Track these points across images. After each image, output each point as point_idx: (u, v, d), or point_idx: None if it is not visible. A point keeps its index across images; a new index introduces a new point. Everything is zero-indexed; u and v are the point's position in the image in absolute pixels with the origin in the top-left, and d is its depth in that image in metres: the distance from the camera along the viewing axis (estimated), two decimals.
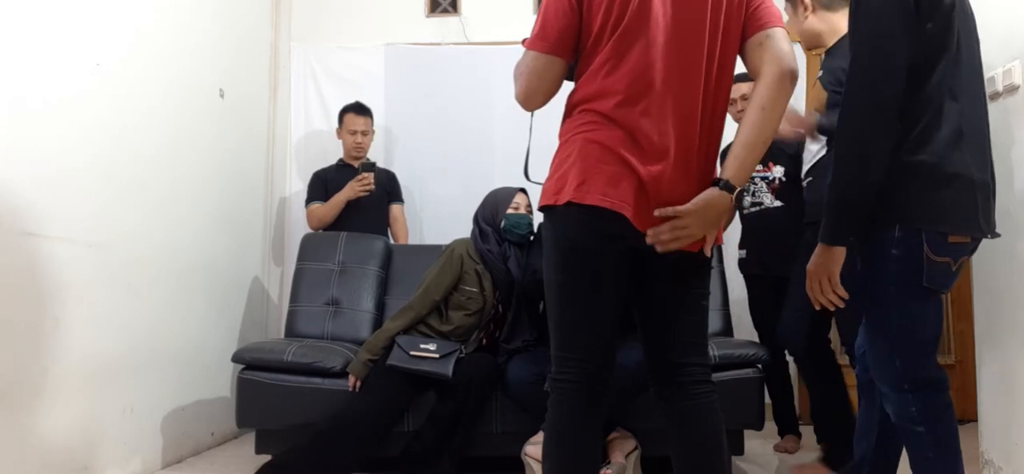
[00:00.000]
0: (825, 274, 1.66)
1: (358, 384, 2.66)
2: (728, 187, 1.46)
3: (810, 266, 1.69)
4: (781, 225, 3.09)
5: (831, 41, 2.44)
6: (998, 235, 1.69)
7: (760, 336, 3.19)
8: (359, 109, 3.62)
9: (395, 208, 3.70)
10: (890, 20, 1.54)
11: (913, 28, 1.55)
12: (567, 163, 1.49)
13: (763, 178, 3.18)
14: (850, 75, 1.58)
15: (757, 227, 3.19)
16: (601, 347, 1.51)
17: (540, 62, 1.53)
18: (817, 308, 1.73)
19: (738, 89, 3.09)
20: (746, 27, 1.51)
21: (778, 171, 3.14)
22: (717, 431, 1.51)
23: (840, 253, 1.64)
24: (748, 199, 3.19)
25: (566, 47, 1.53)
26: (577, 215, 1.46)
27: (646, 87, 1.46)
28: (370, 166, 3.48)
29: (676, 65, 1.47)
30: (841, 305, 1.68)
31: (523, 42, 1.57)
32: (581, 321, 1.50)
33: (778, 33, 1.49)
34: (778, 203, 3.13)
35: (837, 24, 2.38)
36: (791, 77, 1.46)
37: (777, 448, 3.20)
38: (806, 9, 2.44)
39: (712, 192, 1.47)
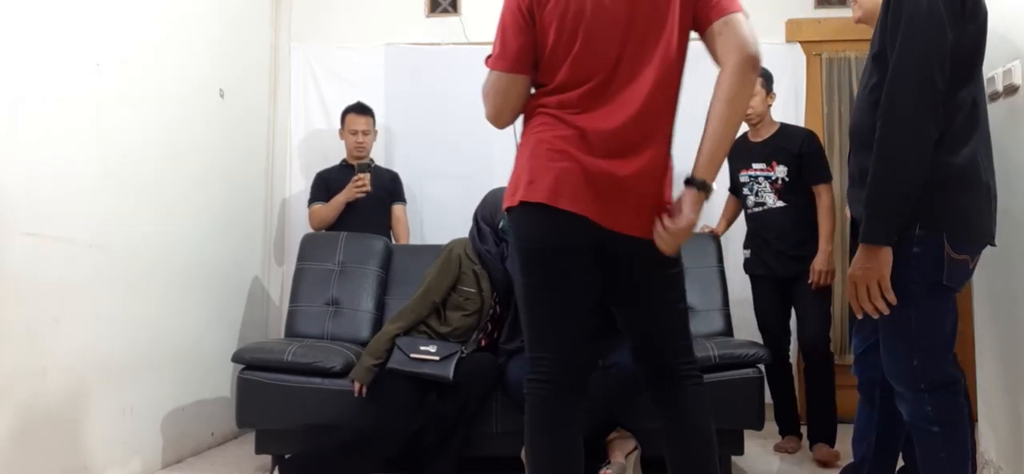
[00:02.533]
0: (874, 279, 1.55)
1: (363, 389, 2.65)
2: (704, 187, 1.44)
3: (855, 271, 1.59)
4: (784, 225, 3.08)
5: None
6: (994, 245, 1.69)
7: (764, 336, 3.18)
8: (360, 109, 3.62)
9: (397, 208, 3.70)
10: (941, 9, 1.52)
11: (959, 24, 1.54)
12: (520, 163, 1.52)
13: (767, 177, 3.15)
14: (898, 63, 1.53)
15: (760, 227, 3.17)
16: (572, 343, 1.52)
17: (503, 81, 1.55)
18: (859, 317, 1.63)
19: None
20: (701, 15, 1.48)
21: (781, 171, 3.11)
22: (706, 426, 1.54)
23: (888, 254, 1.55)
24: (752, 199, 3.17)
25: (526, 63, 1.54)
26: (530, 214, 1.48)
27: (600, 89, 1.48)
28: (367, 167, 3.48)
29: (629, 65, 1.48)
30: (887, 312, 1.58)
31: (486, 61, 1.58)
32: (549, 319, 1.53)
33: (737, 18, 1.45)
34: (781, 203, 3.11)
35: None
36: (753, 64, 1.42)
37: (777, 448, 3.19)
38: None
39: (688, 193, 1.45)
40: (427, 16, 4.15)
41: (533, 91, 1.58)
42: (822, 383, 3.08)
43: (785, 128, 3.21)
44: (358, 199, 3.47)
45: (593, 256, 1.50)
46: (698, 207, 1.43)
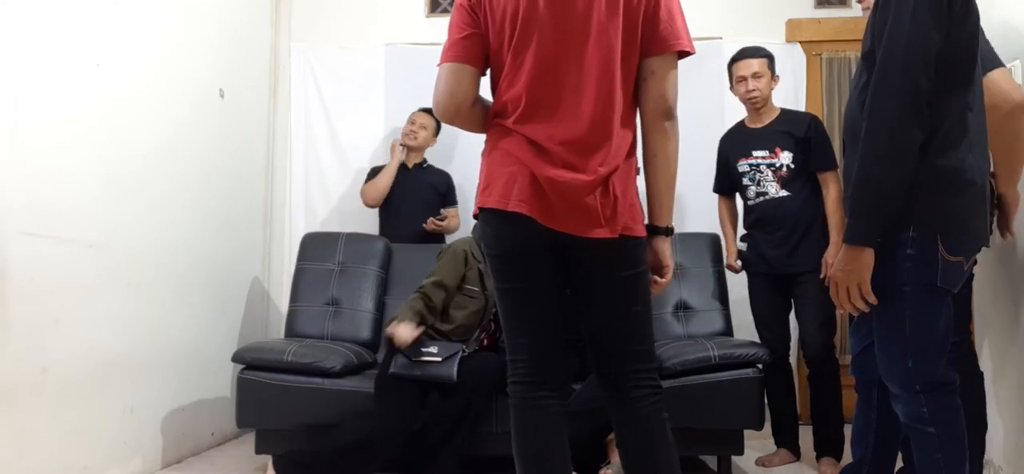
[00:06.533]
0: (855, 281, 1.58)
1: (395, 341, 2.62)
2: (668, 231, 1.56)
3: (837, 272, 1.62)
4: (785, 216, 2.86)
5: None
6: (987, 246, 1.69)
7: (761, 337, 2.97)
8: (427, 109, 3.61)
9: (449, 211, 3.65)
10: (926, 11, 1.52)
11: (945, 26, 1.54)
12: (481, 173, 1.56)
13: (769, 165, 2.91)
14: (882, 64, 1.54)
15: (760, 219, 2.94)
16: (542, 342, 1.55)
17: (444, 70, 1.56)
18: (842, 313, 1.67)
19: (748, 66, 2.93)
20: (645, 35, 1.49)
21: (785, 157, 2.88)
22: (655, 441, 1.52)
23: (870, 255, 1.57)
24: (753, 189, 2.94)
25: (471, 54, 1.54)
26: (488, 219, 1.53)
27: (544, 98, 1.49)
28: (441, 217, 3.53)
29: (572, 74, 1.48)
30: (867, 310, 1.61)
31: (440, 62, 1.59)
32: (518, 320, 1.57)
33: (663, 68, 1.49)
34: (784, 192, 2.88)
35: None
36: (665, 116, 1.50)
37: (760, 463, 2.94)
38: None
39: (661, 241, 1.55)
40: (427, 16, 4.15)
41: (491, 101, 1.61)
42: (828, 394, 2.85)
43: (787, 113, 3.01)
44: (406, 202, 3.51)
45: (554, 257, 1.52)
46: (664, 254, 1.57)
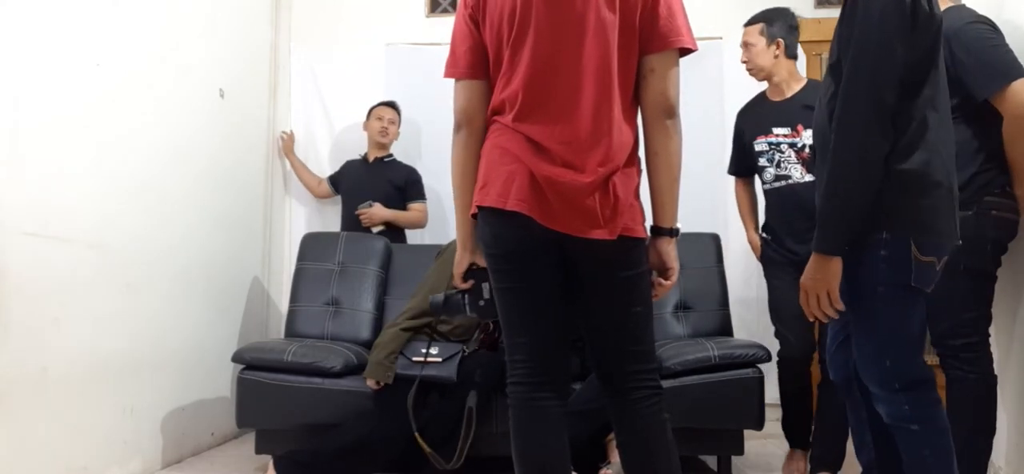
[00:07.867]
0: (824, 289, 1.62)
1: (381, 384, 2.62)
2: (672, 232, 1.55)
3: (806, 280, 1.65)
4: (812, 203, 2.49)
5: None
6: (960, 243, 1.71)
7: (780, 335, 2.70)
8: (389, 103, 3.76)
9: (413, 205, 3.71)
10: (891, 26, 1.54)
11: (909, 37, 1.56)
12: (479, 171, 1.55)
13: (791, 145, 2.59)
14: (849, 78, 1.57)
15: (781, 206, 2.63)
16: (543, 342, 1.55)
17: (457, 88, 1.58)
18: (811, 320, 1.70)
19: (749, 32, 2.71)
20: (644, 33, 1.48)
21: (809, 136, 2.53)
22: (655, 441, 1.53)
23: (838, 265, 1.60)
24: (771, 171, 2.63)
25: (477, 66, 1.56)
26: (486, 218, 1.52)
27: (541, 93, 1.48)
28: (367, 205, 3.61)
29: (569, 73, 1.47)
30: (835, 318, 1.65)
31: (445, 74, 1.61)
32: (518, 320, 1.56)
33: (663, 65, 1.49)
34: (809, 177, 2.52)
35: None
36: (667, 113, 1.50)
37: (788, 471, 2.75)
38: None
39: (665, 243, 1.54)
40: (427, 16, 4.15)
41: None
42: (838, 402, 2.36)
43: (814, 84, 2.63)
44: (362, 195, 3.59)
45: (554, 256, 1.52)
46: (669, 255, 1.56)
